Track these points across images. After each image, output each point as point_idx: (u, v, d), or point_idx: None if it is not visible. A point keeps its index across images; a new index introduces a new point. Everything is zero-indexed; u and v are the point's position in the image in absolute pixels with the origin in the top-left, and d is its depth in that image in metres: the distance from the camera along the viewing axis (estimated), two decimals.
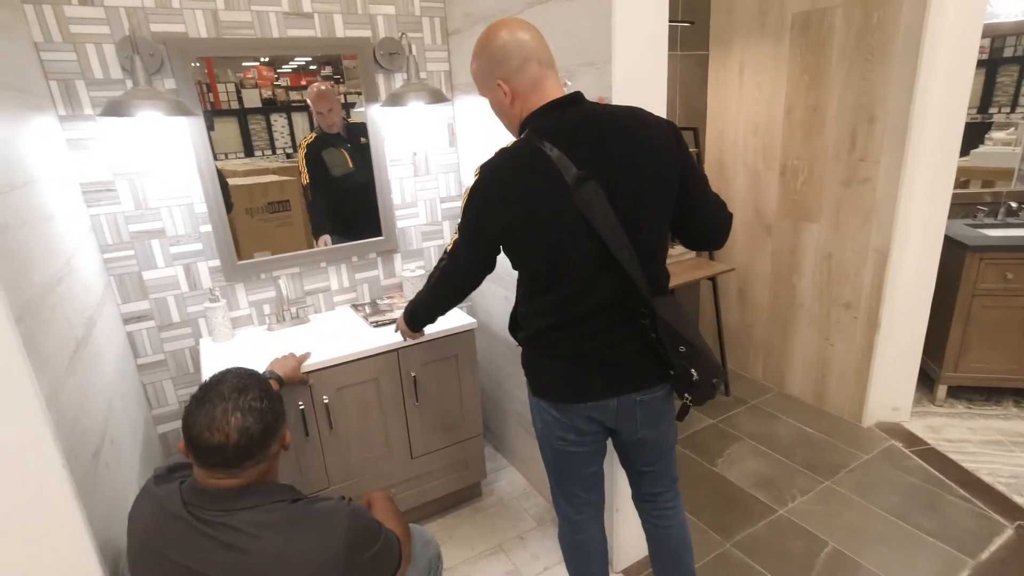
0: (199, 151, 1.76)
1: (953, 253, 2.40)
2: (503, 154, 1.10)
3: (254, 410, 0.93)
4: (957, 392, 2.64)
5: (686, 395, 1.17)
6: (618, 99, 1.35)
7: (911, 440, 2.37)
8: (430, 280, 1.34)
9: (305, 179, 1.96)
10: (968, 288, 2.41)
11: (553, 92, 1.11)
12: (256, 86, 1.83)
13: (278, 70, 1.84)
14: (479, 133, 2.03)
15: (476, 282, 1.29)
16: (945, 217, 2.23)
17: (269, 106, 1.86)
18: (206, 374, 1.61)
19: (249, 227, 1.91)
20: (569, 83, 1.49)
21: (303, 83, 1.88)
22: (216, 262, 1.88)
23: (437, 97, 1.87)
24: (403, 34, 1.96)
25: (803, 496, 2.08)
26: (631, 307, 1.11)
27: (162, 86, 1.68)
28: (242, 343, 1.87)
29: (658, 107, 1.43)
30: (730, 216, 1.21)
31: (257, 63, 1.80)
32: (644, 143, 1.06)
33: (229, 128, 1.82)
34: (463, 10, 1.94)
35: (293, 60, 1.86)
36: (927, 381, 2.68)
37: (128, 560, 0.98)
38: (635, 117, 1.09)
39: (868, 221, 2.26)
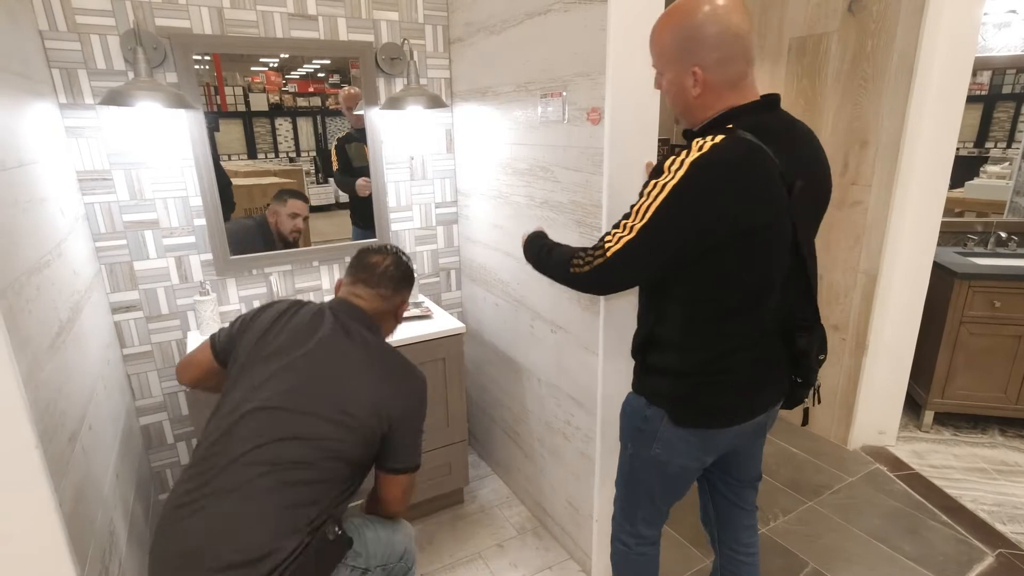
0: (197, 145, 1.78)
1: (942, 280, 2.42)
2: (726, 150, 0.94)
3: (403, 264, 1.34)
4: (944, 419, 2.64)
5: (807, 399, 1.21)
6: (610, 111, 1.37)
7: (896, 464, 2.37)
8: (564, 257, 1.14)
9: (335, 166, 2.05)
10: (956, 315, 2.42)
11: (755, 91, 1.03)
12: (264, 90, 1.86)
13: (286, 76, 1.87)
14: (477, 141, 2.05)
15: (608, 292, 1.29)
16: (934, 243, 2.25)
17: (275, 111, 1.89)
18: None
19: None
20: (565, 93, 1.52)
21: (310, 89, 1.92)
22: (208, 256, 1.89)
23: (436, 103, 1.90)
24: (405, 40, 1.99)
25: (785, 516, 2.07)
26: (785, 328, 1.11)
27: (163, 79, 1.70)
28: None
29: (650, 122, 1.45)
30: None
31: (266, 68, 1.83)
32: (823, 157, 1.10)
33: (234, 130, 1.84)
34: (465, 19, 1.98)
35: (302, 66, 1.89)
36: (914, 406, 2.69)
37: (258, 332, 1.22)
38: (811, 130, 1.11)
39: (858, 243, 2.29)
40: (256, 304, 2.00)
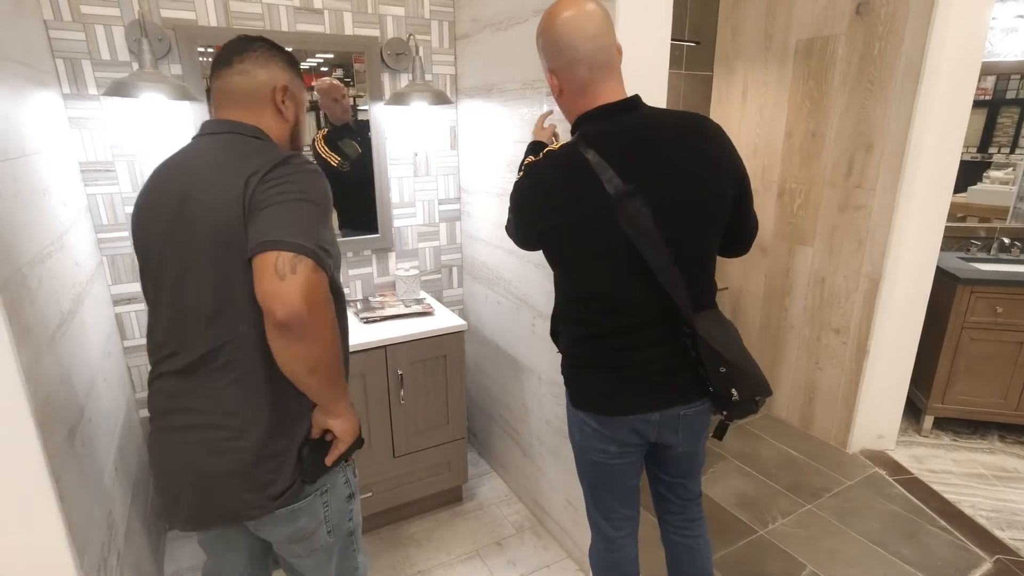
0: None
1: (945, 285, 2.41)
2: (549, 158, 1.07)
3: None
4: (943, 424, 2.64)
5: (723, 412, 1.15)
6: None
7: (895, 469, 2.37)
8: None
9: (334, 160, 2.01)
10: (958, 320, 2.42)
11: (605, 96, 1.05)
12: None
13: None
14: (481, 137, 2.04)
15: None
16: (938, 247, 2.25)
17: None
18: None
19: None
20: None
21: (314, 84, 1.91)
22: None
23: (441, 99, 1.89)
24: (411, 35, 1.98)
25: (784, 518, 2.07)
26: (674, 322, 1.07)
27: (168, 71, 1.70)
28: None
29: None
30: (758, 226, 1.21)
31: None
32: (701, 153, 1.03)
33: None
34: (472, 15, 1.97)
35: (305, 60, 1.88)
36: (914, 411, 2.69)
37: None
38: (696, 125, 1.06)
39: (861, 247, 2.28)
40: None
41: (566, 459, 1.82)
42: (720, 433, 1.21)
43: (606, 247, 1.03)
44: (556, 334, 1.26)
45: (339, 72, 1.95)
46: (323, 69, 1.92)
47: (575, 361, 1.20)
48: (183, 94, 1.52)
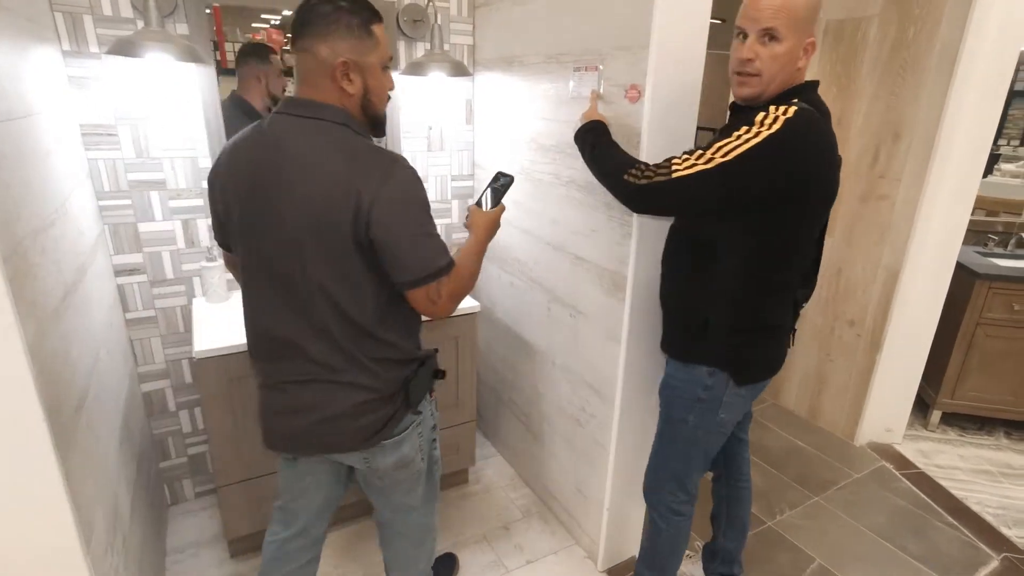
0: (208, 104, 1.69)
1: (962, 280, 2.37)
2: (810, 113, 1.07)
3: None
4: (950, 419, 2.63)
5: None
6: (651, 90, 1.29)
7: (902, 463, 2.36)
8: (620, 161, 1.21)
9: None
10: (974, 316, 2.39)
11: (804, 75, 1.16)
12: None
13: (288, 34, 1.75)
14: (500, 113, 1.97)
15: (648, 211, 1.30)
16: (960, 242, 2.20)
17: None
18: (197, 335, 1.55)
19: None
20: (601, 67, 1.44)
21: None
22: None
23: (459, 70, 1.81)
24: (430, 1, 1.88)
25: (792, 510, 2.06)
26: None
27: (174, 30, 1.60)
28: (237, 306, 1.79)
29: (692, 104, 1.38)
30: None
31: (268, 25, 1.72)
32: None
33: (232, 87, 1.73)
34: None
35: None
36: (921, 405, 2.67)
37: None
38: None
39: (882, 239, 2.23)
40: None
41: (579, 446, 1.79)
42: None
43: (825, 212, 1.18)
44: (717, 312, 1.22)
45: None
46: None
47: (752, 334, 1.23)
48: (191, 55, 1.44)
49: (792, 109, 1.04)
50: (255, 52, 1.74)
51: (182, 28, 1.61)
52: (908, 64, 2.07)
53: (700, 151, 1.10)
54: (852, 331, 2.39)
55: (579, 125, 1.40)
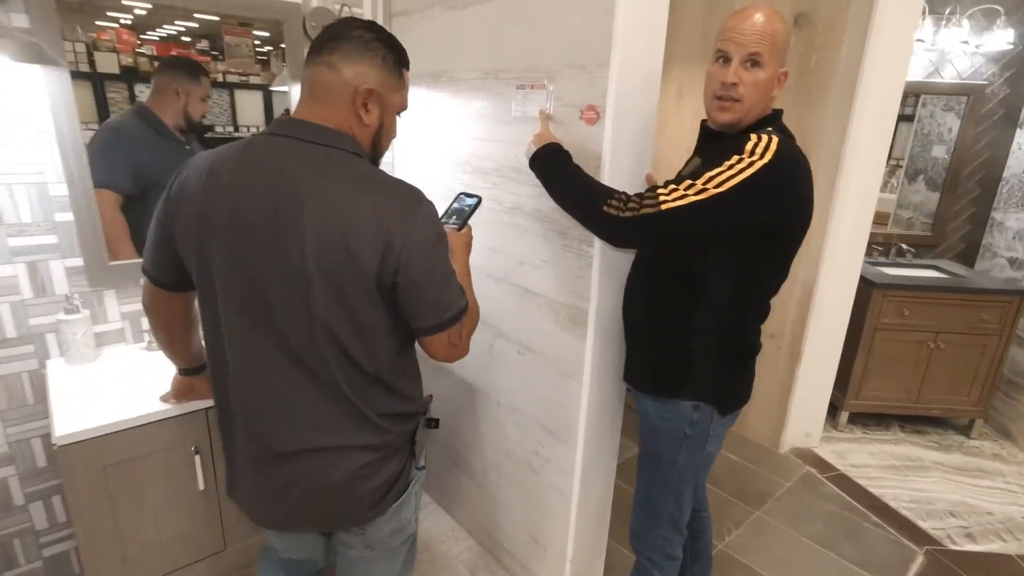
0: (61, 115, 1.34)
1: (861, 289, 2.55)
2: (793, 146, 1.08)
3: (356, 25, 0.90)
4: (855, 418, 2.83)
5: None
6: (613, 111, 1.19)
7: (823, 466, 2.47)
8: (595, 191, 1.14)
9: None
10: (872, 322, 2.58)
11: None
12: (114, 51, 1.45)
13: (142, 35, 1.48)
14: (424, 132, 1.78)
15: (633, 246, 1.26)
16: (863, 254, 2.36)
17: (130, 74, 1.49)
18: (57, 411, 1.21)
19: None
20: (550, 85, 1.32)
21: (173, 54, 1.54)
22: (78, 261, 1.45)
23: None
24: (343, 6, 1.67)
25: (738, 528, 2.06)
26: None
27: (8, 22, 1.25)
28: (109, 365, 1.45)
29: (650, 125, 1.30)
30: None
31: (116, 25, 1.43)
32: None
33: (81, 94, 1.40)
34: None
35: (161, 26, 1.51)
36: (831, 408, 2.84)
37: None
38: None
39: (798, 254, 2.33)
40: (142, 321, 1.58)
41: (533, 492, 1.64)
42: None
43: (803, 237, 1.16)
44: (703, 342, 1.18)
45: (204, 44, 1.57)
46: (190, 43, 1.55)
47: (738, 361, 1.21)
48: (34, 54, 1.12)
49: (776, 139, 1.04)
50: (185, 66, 1.55)
51: (20, 19, 1.27)
52: (812, 89, 2.19)
53: (688, 181, 1.05)
54: (773, 343, 2.48)
55: (532, 148, 1.27)
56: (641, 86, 1.23)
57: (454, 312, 0.92)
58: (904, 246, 2.93)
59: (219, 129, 1.65)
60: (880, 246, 2.99)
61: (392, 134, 0.98)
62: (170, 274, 0.97)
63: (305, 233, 0.82)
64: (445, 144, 1.70)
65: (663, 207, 1.04)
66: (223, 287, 0.88)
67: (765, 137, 1.04)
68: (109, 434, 1.20)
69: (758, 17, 1.05)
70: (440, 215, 1.11)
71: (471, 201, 1.16)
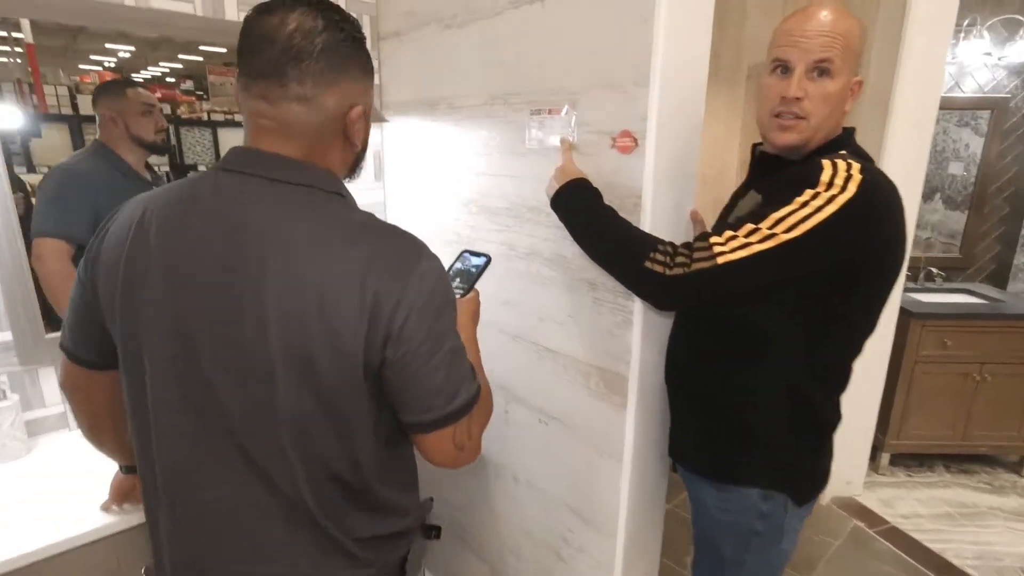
0: None
1: (898, 319, 2.35)
2: (880, 174, 0.86)
3: (325, 17, 0.64)
4: (896, 459, 2.59)
5: None
6: (657, 137, 0.98)
7: (871, 519, 2.23)
8: (635, 241, 0.93)
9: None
10: (912, 355, 2.37)
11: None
12: None
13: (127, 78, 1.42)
14: (419, 167, 1.57)
15: (683, 307, 1.03)
16: (902, 285, 2.16)
17: None
18: None
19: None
20: (573, 111, 1.11)
21: (158, 95, 1.42)
22: (5, 335, 1.20)
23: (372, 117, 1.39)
24: None
25: None
26: None
27: None
28: (45, 460, 1.19)
29: (695, 153, 1.10)
30: None
31: (100, 68, 1.35)
32: None
33: (59, 136, 1.33)
34: (405, 8, 1.50)
35: (147, 68, 1.41)
36: (871, 450, 2.61)
37: None
38: None
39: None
40: None
41: None
42: None
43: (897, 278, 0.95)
44: (771, 416, 0.96)
45: (189, 84, 1.45)
46: (174, 83, 1.43)
47: (815, 438, 0.99)
48: None
49: (857, 166, 0.84)
50: (106, 88, 1.37)
51: None
52: None
53: (749, 225, 0.85)
54: None
55: (553, 185, 1.06)
56: (685, 104, 1.02)
57: (462, 402, 0.68)
58: (934, 269, 2.75)
59: (202, 168, 1.52)
60: (909, 270, 2.80)
61: (367, 142, 0.77)
62: (94, 350, 0.76)
63: (267, 301, 0.61)
64: (445, 181, 1.48)
65: (720, 260, 0.84)
66: (156, 372, 0.67)
67: (842, 164, 0.84)
68: (39, 561, 0.94)
69: (825, 15, 0.86)
70: (452, 275, 0.90)
71: (478, 261, 0.95)
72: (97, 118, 1.35)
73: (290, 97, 0.64)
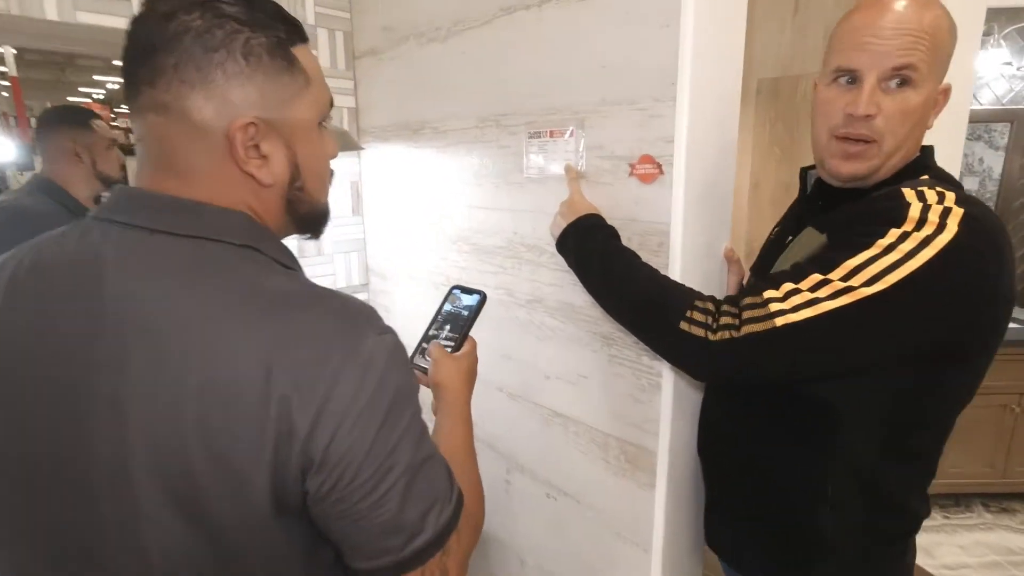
0: None
1: None
2: (983, 207, 0.66)
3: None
4: (932, 499, 2.38)
5: None
6: (688, 162, 0.80)
7: (915, 572, 2.01)
8: (667, 294, 0.75)
9: None
10: None
11: None
12: None
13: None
14: (400, 199, 1.39)
15: (728, 380, 0.80)
16: None
17: None
18: None
19: None
20: (580, 133, 0.93)
21: (48, 106, 1.27)
22: None
23: (346, 144, 1.22)
24: None
25: None
26: None
27: None
28: None
29: (729, 182, 0.91)
30: None
31: (89, 99, 1.18)
32: None
33: None
34: (382, 23, 1.33)
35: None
36: None
37: None
38: None
39: None
40: None
41: None
42: None
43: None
44: (835, 516, 0.75)
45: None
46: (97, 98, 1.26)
47: (887, 542, 0.79)
48: None
49: (953, 196, 0.65)
50: (68, 116, 1.24)
51: None
52: None
53: (816, 275, 0.66)
54: None
55: (560, 223, 0.88)
56: (719, 121, 0.85)
57: (430, 536, 0.48)
58: None
59: None
60: None
61: (323, 166, 0.56)
62: None
63: (127, 408, 0.43)
64: (429, 215, 1.30)
65: (778, 322, 0.65)
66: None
67: (932, 194, 0.65)
68: None
69: (904, 6, 0.67)
70: (423, 337, 0.70)
71: (471, 301, 0.74)
72: (43, 149, 1.21)
73: (145, 105, 0.46)
